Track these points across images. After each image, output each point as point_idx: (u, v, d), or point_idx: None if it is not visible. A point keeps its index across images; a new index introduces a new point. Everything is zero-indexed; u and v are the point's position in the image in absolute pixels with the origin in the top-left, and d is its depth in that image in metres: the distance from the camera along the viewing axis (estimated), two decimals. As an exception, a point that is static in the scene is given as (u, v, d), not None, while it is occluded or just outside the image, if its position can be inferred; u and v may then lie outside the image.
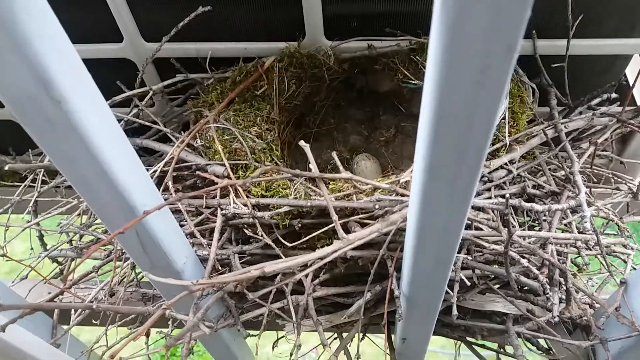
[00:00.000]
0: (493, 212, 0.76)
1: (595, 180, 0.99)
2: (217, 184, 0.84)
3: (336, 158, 0.66)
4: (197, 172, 0.68)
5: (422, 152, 0.44)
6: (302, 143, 0.62)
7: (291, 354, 0.85)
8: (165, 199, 0.66)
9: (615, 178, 0.99)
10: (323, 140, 1.09)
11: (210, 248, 0.79)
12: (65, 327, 1.03)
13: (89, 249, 0.94)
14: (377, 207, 0.71)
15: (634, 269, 0.93)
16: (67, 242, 1.13)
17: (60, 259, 1.16)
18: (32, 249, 1.17)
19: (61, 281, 1.13)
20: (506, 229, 0.70)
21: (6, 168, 0.88)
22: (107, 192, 0.56)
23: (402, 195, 0.74)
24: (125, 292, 1.07)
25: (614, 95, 1.05)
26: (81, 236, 1.09)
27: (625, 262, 0.93)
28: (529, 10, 0.31)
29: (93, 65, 1.08)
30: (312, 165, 0.64)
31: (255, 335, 0.87)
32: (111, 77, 1.05)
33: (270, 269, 0.64)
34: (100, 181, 0.55)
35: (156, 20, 0.96)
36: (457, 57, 0.35)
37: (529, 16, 0.31)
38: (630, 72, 1.09)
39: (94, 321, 0.96)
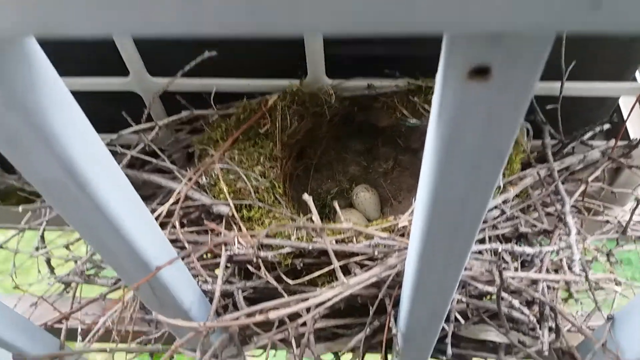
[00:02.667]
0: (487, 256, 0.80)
1: (586, 213, 1.03)
2: (220, 219, 0.87)
3: (337, 208, 0.69)
4: (206, 223, 0.71)
5: (423, 201, 0.46)
6: (305, 197, 0.65)
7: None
8: (177, 251, 0.69)
9: (606, 212, 1.02)
10: (323, 170, 1.12)
11: (213, 284, 0.82)
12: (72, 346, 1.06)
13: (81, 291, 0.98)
14: (376, 252, 0.75)
15: (626, 297, 0.97)
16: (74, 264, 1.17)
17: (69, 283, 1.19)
18: (39, 271, 1.20)
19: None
20: (499, 276, 0.73)
21: (20, 210, 0.91)
22: (123, 252, 0.59)
23: (401, 235, 0.77)
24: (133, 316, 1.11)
25: (606, 126, 1.08)
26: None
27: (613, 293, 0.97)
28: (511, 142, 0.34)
29: (100, 97, 1.11)
30: (315, 217, 0.67)
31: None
32: (117, 110, 1.08)
33: (274, 315, 0.68)
34: (117, 244, 0.58)
35: (161, 55, 0.99)
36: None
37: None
38: (624, 104, 1.13)
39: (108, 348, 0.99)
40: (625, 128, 1.13)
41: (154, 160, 0.98)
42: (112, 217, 0.52)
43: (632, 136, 1.11)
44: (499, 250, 0.64)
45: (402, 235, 0.79)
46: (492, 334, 0.98)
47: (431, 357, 1.07)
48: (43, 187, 0.47)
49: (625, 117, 1.08)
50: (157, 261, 0.63)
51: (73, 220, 0.52)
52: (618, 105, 1.13)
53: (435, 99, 0.34)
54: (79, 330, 1.08)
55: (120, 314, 0.97)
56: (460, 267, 0.55)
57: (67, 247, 1.17)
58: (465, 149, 0.37)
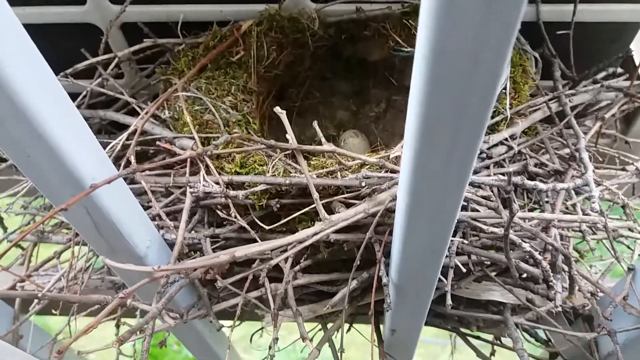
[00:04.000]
0: (492, 190, 0.69)
1: (600, 160, 0.92)
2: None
3: (318, 129, 0.58)
4: (158, 143, 0.60)
5: (414, 115, 0.36)
6: (277, 109, 0.54)
7: (270, 347, 0.77)
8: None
9: (621, 158, 0.92)
10: (307, 115, 1.00)
11: (178, 230, 0.71)
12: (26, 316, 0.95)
13: (24, 230, 0.86)
14: (363, 184, 0.63)
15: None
16: (32, 222, 1.05)
17: (23, 244, 1.07)
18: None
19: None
20: (507, 209, 0.62)
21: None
22: (46, 161, 0.48)
23: (392, 171, 0.66)
24: (92, 280, 0.99)
25: (619, 69, 0.98)
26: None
27: (631, 248, 0.87)
28: None
29: (55, 31, 0.99)
30: (290, 135, 0.56)
31: (229, 327, 0.79)
32: (75, 44, 0.96)
33: (241, 254, 0.56)
34: (36, 148, 0.46)
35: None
36: None
37: None
38: (636, 46, 1.02)
39: (53, 311, 0.88)
40: (638, 72, 1.03)
41: (117, 96, 0.86)
42: (22, 104, 0.41)
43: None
44: (510, 171, 0.53)
45: (394, 171, 0.68)
46: (497, 294, 0.87)
47: (429, 324, 0.97)
48: None
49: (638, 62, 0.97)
50: (95, 182, 0.52)
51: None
52: (630, 49, 1.02)
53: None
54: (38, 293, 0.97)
55: (74, 274, 0.86)
56: (464, 180, 0.44)
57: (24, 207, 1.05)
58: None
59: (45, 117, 0.46)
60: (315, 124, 0.58)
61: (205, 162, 0.71)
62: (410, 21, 0.80)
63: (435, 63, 0.33)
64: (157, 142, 0.61)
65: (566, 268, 0.76)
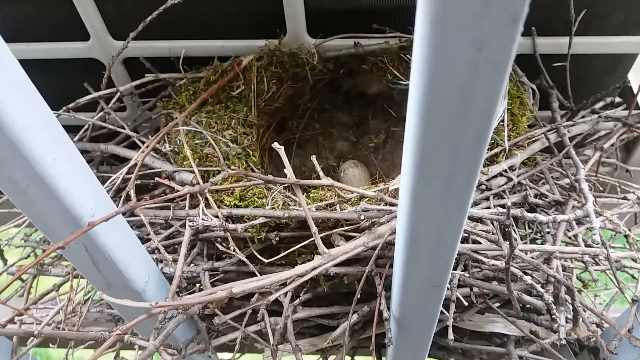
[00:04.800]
0: (492, 223, 0.68)
1: (601, 189, 0.92)
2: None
3: (315, 162, 0.58)
4: (157, 178, 0.60)
5: (410, 148, 0.36)
6: (275, 145, 0.55)
7: (270, 382, 0.76)
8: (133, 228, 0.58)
9: (622, 187, 0.91)
10: (308, 146, 1.01)
11: (177, 264, 0.70)
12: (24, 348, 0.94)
13: (23, 265, 0.85)
14: (362, 217, 0.63)
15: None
16: (32, 255, 1.05)
17: (23, 277, 1.07)
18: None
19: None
20: (507, 242, 0.62)
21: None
22: (44, 200, 0.48)
23: (391, 204, 0.66)
24: (91, 312, 0.98)
25: (617, 99, 0.99)
26: (44, 251, 1.01)
27: (635, 277, 0.86)
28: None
29: (59, 66, 1.01)
30: (288, 170, 0.56)
31: (229, 360, 0.78)
32: (78, 78, 0.97)
33: (239, 289, 0.56)
34: (34, 187, 0.47)
35: (125, 16, 0.89)
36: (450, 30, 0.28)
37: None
38: (633, 76, 1.03)
39: (51, 345, 0.87)
40: (636, 102, 1.03)
41: (118, 130, 0.87)
42: (21, 144, 0.41)
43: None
44: (508, 205, 0.53)
45: (393, 204, 0.68)
46: (500, 325, 0.86)
47: (432, 357, 0.95)
48: None
49: (636, 90, 0.98)
50: (93, 219, 0.52)
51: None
52: (627, 79, 1.03)
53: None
54: (35, 329, 0.96)
55: (72, 308, 0.85)
56: (462, 214, 0.44)
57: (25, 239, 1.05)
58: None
59: (43, 156, 0.46)
60: (313, 158, 0.58)
61: (205, 196, 0.71)
62: (407, 55, 0.82)
63: (428, 106, 0.33)
64: (156, 178, 0.62)
65: (569, 299, 0.75)
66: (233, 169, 0.59)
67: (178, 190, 0.58)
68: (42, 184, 0.46)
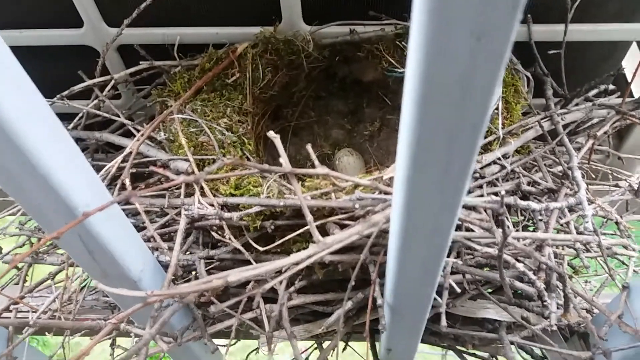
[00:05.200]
0: (486, 211, 0.69)
1: (593, 176, 0.93)
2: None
3: (311, 151, 0.58)
4: (151, 167, 0.60)
5: (406, 137, 0.37)
6: (270, 134, 0.55)
7: (266, 366, 0.77)
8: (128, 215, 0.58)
9: (614, 174, 0.92)
10: (303, 134, 1.01)
11: (172, 253, 0.71)
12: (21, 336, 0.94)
13: (15, 257, 0.85)
14: (357, 206, 0.64)
15: (636, 272, 0.86)
16: (27, 244, 1.05)
17: (19, 265, 1.07)
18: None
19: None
20: (500, 230, 0.63)
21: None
22: (38, 190, 0.48)
23: (386, 193, 0.66)
24: (87, 300, 0.99)
25: (611, 86, 0.99)
26: (39, 239, 1.01)
27: (625, 263, 0.87)
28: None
29: (52, 53, 1.00)
30: (283, 158, 0.56)
31: (225, 346, 0.79)
32: (72, 66, 0.96)
33: (235, 278, 0.56)
34: (27, 178, 0.47)
35: (119, 3, 0.87)
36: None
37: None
38: (627, 63, 1.03)
39: (47, 333, 0.87)
40: (630, 89, 1.04)
41: (112, 118, 0.86)
42: (11, 131, 0.41)
43: (636, 95, 1.02)
44: (501, 194, 0.53)
45: (388, 192, 0.68)
46: (492, 311, 0.87)
47: (424, 342, 0.96)
48: None
49: (630, 79, 0.98)
50: (88, 209, 0.52)
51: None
52: (622, 66, 1.03)
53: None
54: (30, 318, 0.97)
55: (69, 297, 0.86)
56: (457, 202, 0.44)
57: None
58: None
59: (37, 146, 0.46)
60: (308, 146, 0.58)
61: (200, 185, 0.71)
62: (403, 43, 0.81)
63: (425, 94, 0.33)
64: (151, 167, 0.62)
65: (561, 286, 0.76)
66: (228, 158, 0.59)
67: (173, 180, 0.58)
68: (36, 175, 0.46)
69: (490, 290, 0.88)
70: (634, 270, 0.87)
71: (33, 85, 0.46)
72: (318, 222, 0.67)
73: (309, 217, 0.59)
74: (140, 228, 0.86)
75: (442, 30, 0.29)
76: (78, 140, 0.93)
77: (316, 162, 0.62)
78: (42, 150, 0.46)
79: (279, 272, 0.67)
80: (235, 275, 0.57)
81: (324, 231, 0.71)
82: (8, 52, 0.44)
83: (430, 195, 0.42)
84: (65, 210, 0.50)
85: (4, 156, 0.45)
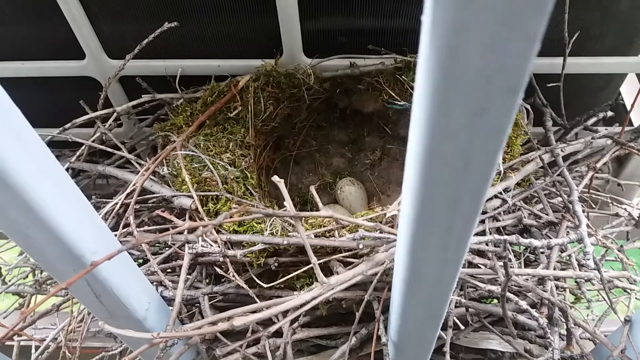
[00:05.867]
0: (487, 245, 0.69)
1: (593, 205, 0.93)
2: (184, 214, 0.77)
3: (314, 193, 0.58)
4: (157, 212, 0.60)
5: (409, 205, 0.37)
6: (275, 179, 0.55)
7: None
8: (121, 242, 0.58)
9: (614, 203, 0.93)
10: (304, 163, 1.01)
11: (176, 290, 0.71)
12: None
13: (36, 302, 0.86)
14: (360, 246, 0.64)
15: (638, 299, 0.87)
16: (31, 275, 1.05)
17: (22, 294, 1.07)
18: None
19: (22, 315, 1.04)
20: (504, 270, 0.63)
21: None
22: (45, 240, 0.48)
23: (389, 232, 0.67)
24: (90, 332, 0.98)
25: (609, 113, 1.00)
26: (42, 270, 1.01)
27: (627, 291, 0.87)
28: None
29: (54, 84, 1.00)
30: (288, 203, 0.56)
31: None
32: (75, 96, 0.97)
33: (239, 323, 0.57)
34: (34, 229, 0.47)
35: (120, 36, 0.88)
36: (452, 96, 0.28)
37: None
38: (625, 91, 1.04)
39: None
40: (630, 118, 1.05)
41: (114, 152, 0.87)
42: (18, 188, 0.42)
43: (635, 124, 1.03)
44: (505, 240, 0.54)
45: (391, 227, 0.69)
46: (495, 343, 0.88)
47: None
48: None
49: (628, 106, 0.99)
50: (95, 256, 0.52)
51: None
52: (620, 94, 1.04)
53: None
54: (33, 347, 0.96)
55: (73, 328, 0.86)
56: (460, 257, 0.45)
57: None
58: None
59: (44, 200, 0.46)
60: (312, 189, 0.59)
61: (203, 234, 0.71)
62: (402, 76, 0.82)
63: (428, 164, 0.34)
64: (157, 212, 0.62)
65: (563, 319, 0.76)
66: (234, 208, 0.59)
67: (178, 225, 0.58)
68: (43, 226, 0.46)
69: (492, 320, 0.88)
70: (637, 298, 0.87)
71: (39, 139, 0.46)
72: (322, 260, 0.68)
73: (314, 259, 0.60)
74: (143, 260, 0.86)
75: (444, 110, 0.29)
76: (80, 172, 0.93)
77: (320, 205, 0.62)
78: (49, 202, 0.47)
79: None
80: (239, 319, 0.57)
81: (327, 268, 0.71)
82: (14, 109, 0.44)
83: (434, 253, 0.43)
84: (73, 258, 0.50)
85: (11, 210, 0.45)
